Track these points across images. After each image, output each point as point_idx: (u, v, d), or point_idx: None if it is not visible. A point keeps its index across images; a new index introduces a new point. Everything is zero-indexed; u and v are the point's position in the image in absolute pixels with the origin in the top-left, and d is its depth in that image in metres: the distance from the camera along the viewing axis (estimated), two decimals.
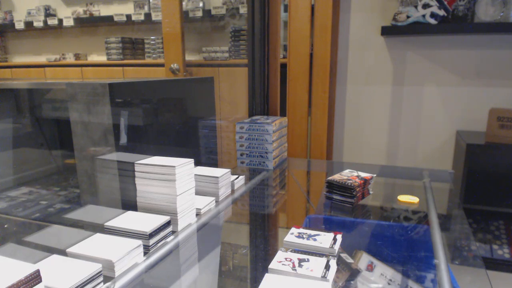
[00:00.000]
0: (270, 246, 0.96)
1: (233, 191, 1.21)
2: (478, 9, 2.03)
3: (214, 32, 3.14)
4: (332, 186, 1.16)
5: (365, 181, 1.18)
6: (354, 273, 0.82)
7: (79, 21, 3.52)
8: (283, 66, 1.96)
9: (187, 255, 0.87)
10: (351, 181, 1.14)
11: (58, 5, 3.74)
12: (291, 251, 0.75)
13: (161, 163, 0.88)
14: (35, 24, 3.62)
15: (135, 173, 0.91)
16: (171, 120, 1.37)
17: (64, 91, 1.07)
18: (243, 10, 2.87)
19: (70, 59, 3.67)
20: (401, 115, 2.41)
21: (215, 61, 2.96)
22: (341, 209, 1.13)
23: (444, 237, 0.93)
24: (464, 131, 2.26)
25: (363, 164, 2.10)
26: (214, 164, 1.74)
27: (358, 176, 1.20)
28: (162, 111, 1.32)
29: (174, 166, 0.86)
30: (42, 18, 3.60)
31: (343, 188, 1.14)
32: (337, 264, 0.71)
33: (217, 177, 1.10)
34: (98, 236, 0.79)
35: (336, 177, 1.19)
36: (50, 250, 0.72)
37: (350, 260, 0.82)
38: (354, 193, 1.12)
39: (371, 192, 1.23)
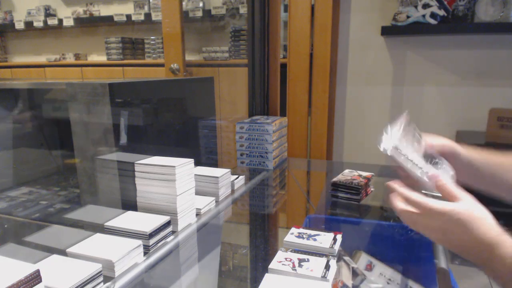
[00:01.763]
0: (270, 246, 0.96)
1: (233, 191, 1.21)
2: (478, 9, 2.03)
3: (214, 32, 3.14)
4: (338, 186, 1.17)
5: (368, 180, 1.21)
6: (358, 279, 0.82)
7: (79, 21, 3.52)
8: (283, 66, 1.96)
9: (187, 255, 0.87)
10: (356, 181, 1.15)
11: (58, 5, 3.74)
12: (291, 251, 0.75)
13: (161, 163, 0.88)
14: (35, 24, 3.62)
15: (135, 173, 0.91)
16: (171, 120, 1.37)
17: (64, 91, 1.07)
18: (243, 10, 2.87)
19: (70, 59, 3.67)
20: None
21: (215, 61, 2.96)
22: (347, 207, 1.14)
23: None
24: (464, 131, 2.26)
25: (362, 164, 2.10)
26: (214, 164, 1.73)
27: (360, 176, 1.22)
28: (162, 111, 1.32)
29: (174, 166, 0.86)
30: (42, 18, 3.60)
31: (350, 188, 1.15)
32: (340, 267, 0.71)
33: (217, 177, 1.10)
34: (98, 236, 0.79)
35: (340, 177, 1.20)
36: (50, 250, 0.72)
37: (354, 265, 0.82)
38: (361, 190, 1.13)
39: (372, 189, 1.24)
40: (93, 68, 3.45)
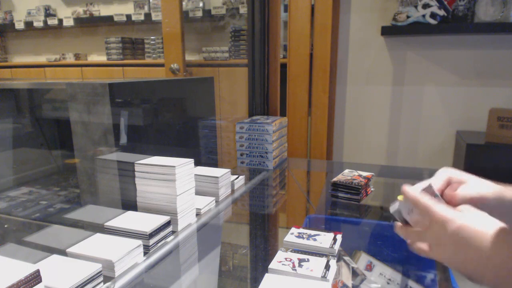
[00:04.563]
0: (270, 246, 0.96)
1: (233, 191, 1.21)
2: (478, 9, 2.03)
3: (214, 32, 3.14)
4: (338, 186, 1.17)
5: (368, 180, 1.21)
6: (358, 279, 0.82)
7: (79, 21, 3.52)
8: (283, 66, 1.96)
9: (187, 255, 0.87)
10: (356, 181, 1.15)
11: (58, 5, 3.74)
12: (291, 251, 0.75)
13: (161, 163, 0.88)
14: (35, 24, 3.62)
15: (135, 173, 0.91)
16: (171, 120, 1.37)
17: (64, 91, 1.07)
18: (243, 10, 2.87)
19: (70, 59, 3.67)
20: (401, 115, 2.40)
21: (215, 61, 2.96)
22: (347, 207, 1.14)
23: None
24: (464, 131, 2.26)
25: (362, 164, 2.10)
26: (214, 164, 1.73)
27: (360, 176, 1.22)
28: (162, 111, 1.32)
29: (174, 166, 0.86)
30: (42, 18, 3.60)
31: (350, 188, 1.15)
32: (340, 267, 0.71)
33: (217, 177, 1.10)
34: (98, 236, 0.79)
35: (340, 177, 1.20)
36: (50, 250, 0.72)
37: (354, 265, 0.82)
38: (361, 190, 1.14)
39: (372, 189, 1.24)
40: (93, 68, 3.45)
